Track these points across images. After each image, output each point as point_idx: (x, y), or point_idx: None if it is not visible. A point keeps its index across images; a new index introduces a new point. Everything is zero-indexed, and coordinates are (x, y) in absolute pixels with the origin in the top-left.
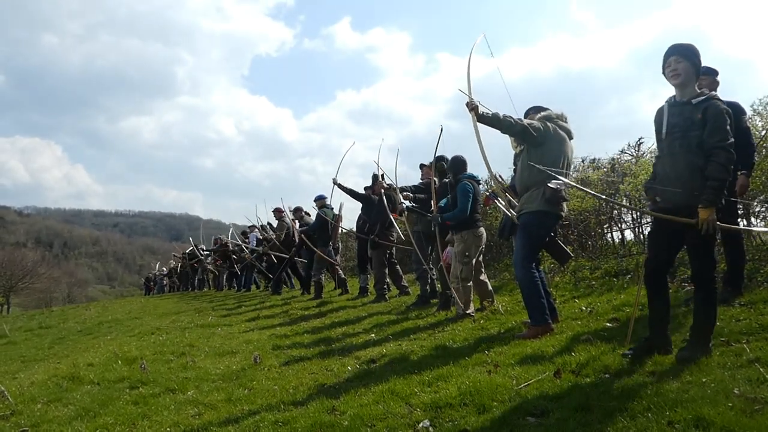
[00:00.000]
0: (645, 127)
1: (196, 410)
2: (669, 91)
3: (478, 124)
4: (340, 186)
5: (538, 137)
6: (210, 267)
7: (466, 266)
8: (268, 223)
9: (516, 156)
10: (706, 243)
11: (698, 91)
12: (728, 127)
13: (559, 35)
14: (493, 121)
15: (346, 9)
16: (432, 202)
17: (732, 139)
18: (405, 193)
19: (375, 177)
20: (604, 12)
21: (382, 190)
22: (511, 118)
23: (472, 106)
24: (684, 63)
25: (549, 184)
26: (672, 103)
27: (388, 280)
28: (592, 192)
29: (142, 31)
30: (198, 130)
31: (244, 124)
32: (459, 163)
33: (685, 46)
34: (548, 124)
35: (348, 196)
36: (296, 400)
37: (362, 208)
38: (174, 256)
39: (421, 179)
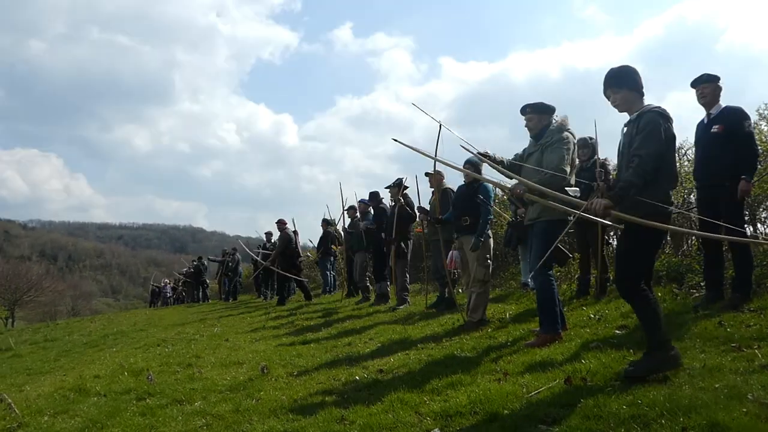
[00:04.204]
0: None
1: (203, 421)
2: (671, 93)
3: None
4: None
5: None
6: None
7: (487, 269)
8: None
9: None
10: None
11: (644, 105)
12: (652, 136)
13: (564, 36)
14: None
15: (348, 14)
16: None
17: (653, 148)
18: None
19: (399, 181)
20: (611, 11)
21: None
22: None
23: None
24: (619, 94)
25: (569, 192)
26: (625, 123)
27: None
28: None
29: (136, 33)
30: (198, 138)
31: (244, 133)
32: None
33: (615, 77)
34: (565, 135)
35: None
36: (305, 410)
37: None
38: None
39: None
